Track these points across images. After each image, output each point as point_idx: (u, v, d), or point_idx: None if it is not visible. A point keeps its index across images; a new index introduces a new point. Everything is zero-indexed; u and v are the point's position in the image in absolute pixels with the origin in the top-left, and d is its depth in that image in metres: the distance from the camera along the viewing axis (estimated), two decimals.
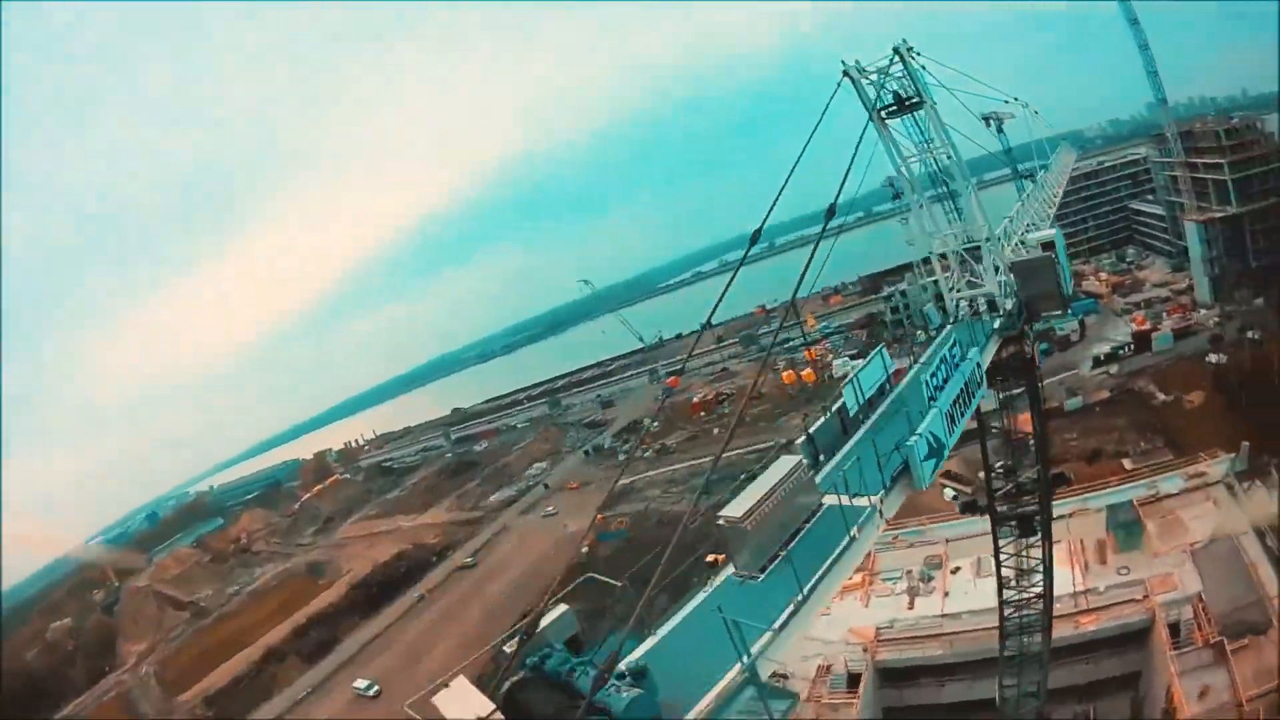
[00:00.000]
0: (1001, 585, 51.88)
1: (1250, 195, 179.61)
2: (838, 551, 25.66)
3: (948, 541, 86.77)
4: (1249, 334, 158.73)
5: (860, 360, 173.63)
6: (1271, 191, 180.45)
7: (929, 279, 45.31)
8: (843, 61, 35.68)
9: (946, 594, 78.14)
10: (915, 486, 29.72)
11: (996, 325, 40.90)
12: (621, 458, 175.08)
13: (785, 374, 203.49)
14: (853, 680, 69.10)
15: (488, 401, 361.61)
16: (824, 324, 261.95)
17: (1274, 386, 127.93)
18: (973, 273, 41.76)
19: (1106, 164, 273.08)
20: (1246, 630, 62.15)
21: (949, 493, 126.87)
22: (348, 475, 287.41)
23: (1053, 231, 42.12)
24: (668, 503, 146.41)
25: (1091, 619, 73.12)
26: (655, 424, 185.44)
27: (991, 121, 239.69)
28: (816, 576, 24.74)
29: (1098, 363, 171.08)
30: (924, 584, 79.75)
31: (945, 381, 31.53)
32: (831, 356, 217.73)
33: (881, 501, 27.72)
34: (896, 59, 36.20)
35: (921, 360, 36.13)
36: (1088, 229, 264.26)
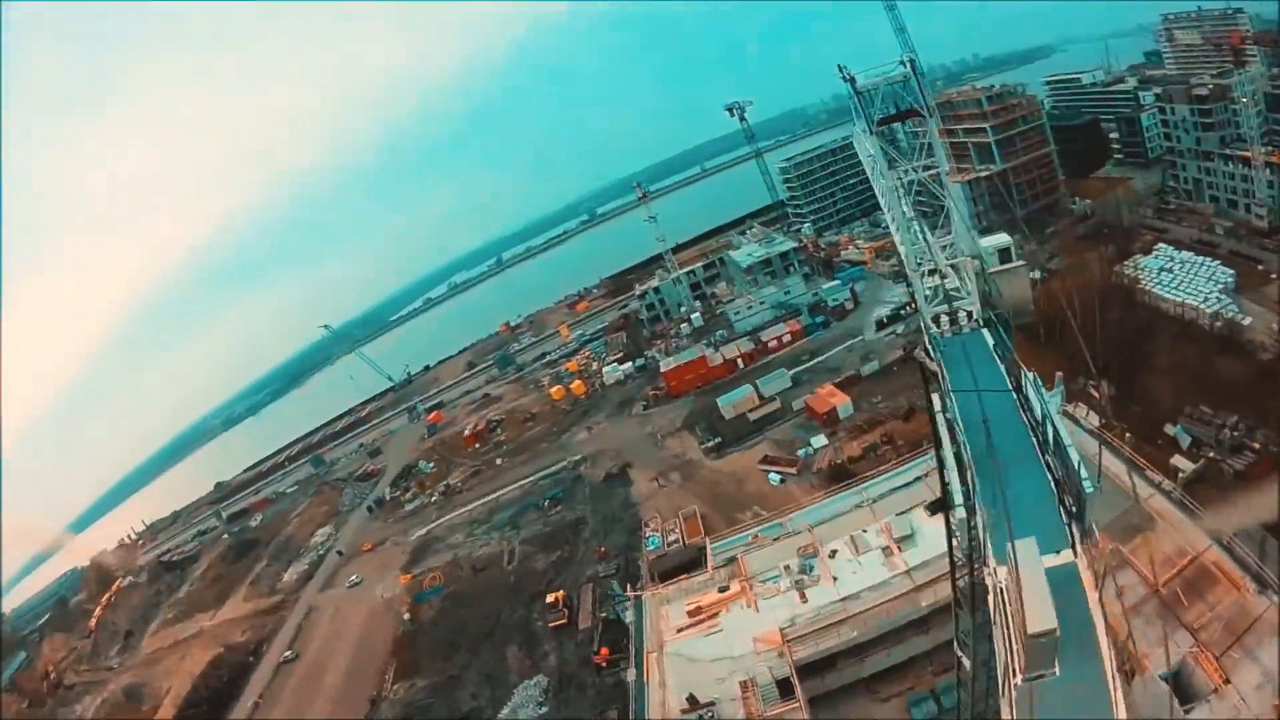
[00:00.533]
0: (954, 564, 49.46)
1: (1012, 153, 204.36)
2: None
3: (812, 529, 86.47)
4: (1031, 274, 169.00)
5: (628, 363, 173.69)
6: (1030, 148, 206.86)
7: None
8: (840, 68, 36.05)
9: (835, 578, 77.15)
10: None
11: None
12: (410, 507, 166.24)
13: (554, 390, 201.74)
14: (783, 686, 67.24)
15: (248, 470, 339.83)
16: (579, 332, 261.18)
17: (1064, 319, 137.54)
18: (953, 285, 40.36)
19: (851, 137, 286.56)
20: (1133, 531, 68.95)
21: (774, 477, 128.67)
22: (131, 578, 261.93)
23: (1008, 238, 40.55)
24: (476, 546, 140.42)
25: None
26: (431, 465, 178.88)
27: (734, 110, 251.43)
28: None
29: (880, 326, 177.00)
30: (808, 576, 78.36)
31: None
32: (597, 364, 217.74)
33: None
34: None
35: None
36: (835, 201, 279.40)
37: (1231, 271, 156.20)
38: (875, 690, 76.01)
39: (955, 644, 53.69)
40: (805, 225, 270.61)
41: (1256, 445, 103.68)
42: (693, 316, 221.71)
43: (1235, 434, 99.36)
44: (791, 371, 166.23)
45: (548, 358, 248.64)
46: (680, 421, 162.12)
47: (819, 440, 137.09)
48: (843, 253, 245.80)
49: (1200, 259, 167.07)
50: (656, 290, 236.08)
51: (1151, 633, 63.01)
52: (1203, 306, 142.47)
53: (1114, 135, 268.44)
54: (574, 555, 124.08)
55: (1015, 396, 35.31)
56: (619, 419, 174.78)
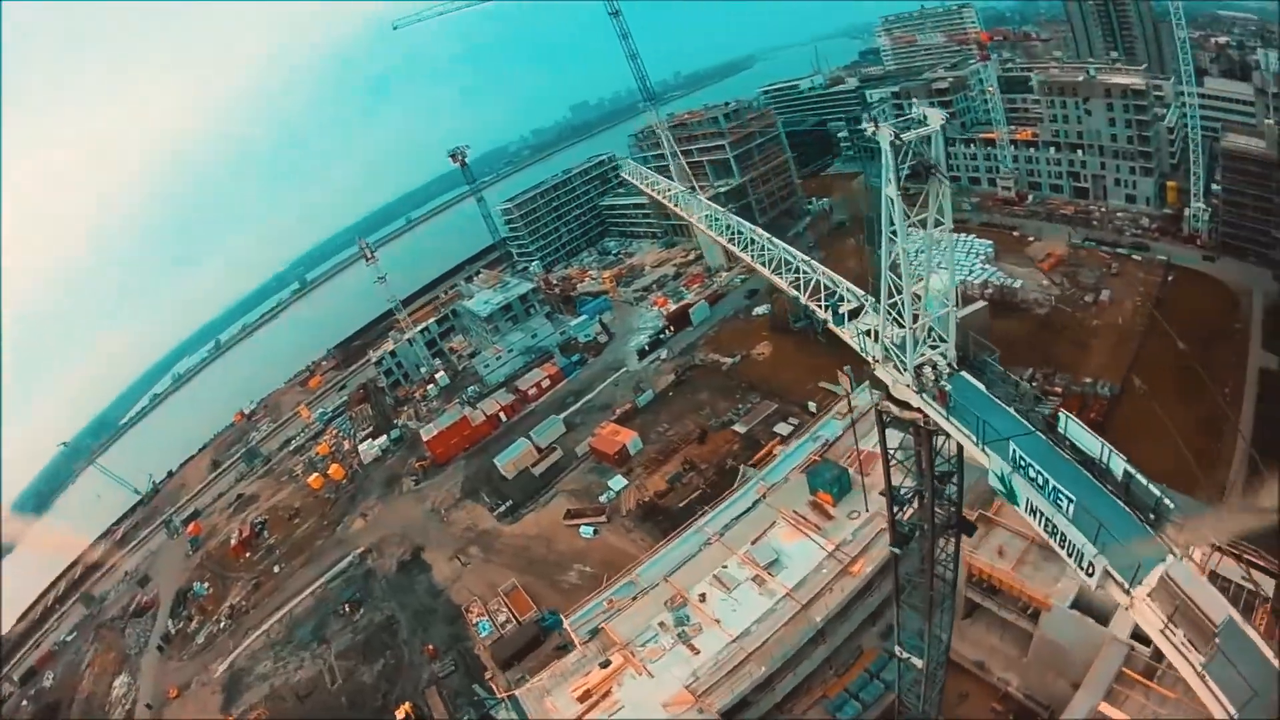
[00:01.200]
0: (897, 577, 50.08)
1: (750, 166, 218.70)
2: None
3: (667, 579, 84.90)
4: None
5: (381, 436, 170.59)
6: (768, 158, 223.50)
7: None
8: (872, 118, 33.62)
9: (719, 620, 75.88)
10: None
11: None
12: (201, 639, 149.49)
13: (312, 479, 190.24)
14: None
15: (19, 620, 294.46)
16: (319, 411, 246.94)
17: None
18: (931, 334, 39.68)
19: (575, 170, 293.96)
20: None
21: (586, 530, 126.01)
22: None
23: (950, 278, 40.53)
24: (291, 671, 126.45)
25: (859, 564, 78.94)
26: (207, 586, 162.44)
27: (456, 156, 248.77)
28: None
29: (643, 354, 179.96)
30: (689, 626, 76.44)
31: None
32: (349, 442, 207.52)
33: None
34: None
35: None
36: (560, 235, 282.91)
37: (988, 242, 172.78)
38: (790, 710, 77.94)
39: (898, 647, 55.73)
40: (533, 263, 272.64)
41: (1059, 389, 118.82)
42: (437, 376, 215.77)
43: (1034, 384, 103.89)
44: (562, 416, 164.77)
45: (294, 444, 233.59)
46: (459, 490, 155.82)
47: (617, 481, 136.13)
48: (579, 286, 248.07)
49: (954, 236, 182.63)
50: (393, 354, 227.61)
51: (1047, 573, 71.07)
52: (969, 279, 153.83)
53: (842, 135, 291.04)
54: (400, 660, 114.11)
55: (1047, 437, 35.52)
56: (392, 498, 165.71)
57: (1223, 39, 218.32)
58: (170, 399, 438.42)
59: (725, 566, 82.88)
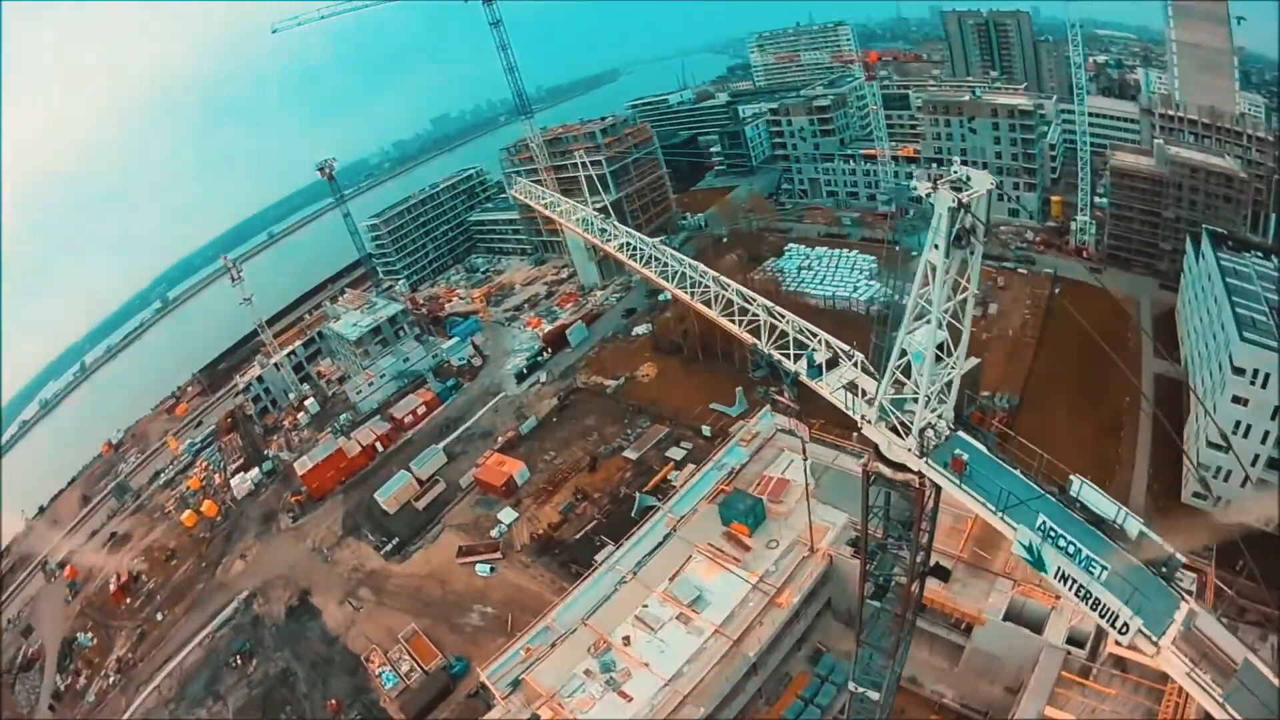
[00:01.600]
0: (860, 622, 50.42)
1: (626, 181, 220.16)
2: None
3: (586, 622, 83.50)
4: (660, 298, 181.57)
5: (253, 469, 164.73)
6: (643, 173, 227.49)
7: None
8: (931, 179, 32.82)
9: (647, 664, 74.96)
10: None
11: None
12: (91, 696, 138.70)
13: (185, 516, 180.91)
14: None
15: None
16: (188, 441, 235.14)
17: (710, 336, 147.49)
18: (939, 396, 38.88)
19: (442, 184, 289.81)
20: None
21: (482, 568, 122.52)
22: None
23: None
24: None
25: (785, 595, 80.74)
26: (91, 637, 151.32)
27: (324, 170, 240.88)
28: None
29: (521, 377, 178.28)
30: (616, 672, 75.19)
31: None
32: (219, 476, 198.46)
33: None
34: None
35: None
36: (428, 252, 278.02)
37: (870, 257, 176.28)
38: None
39: (852, 683, 57.02)
40: (400, 281, 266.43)
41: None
42: (306, 403, 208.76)
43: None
44: (442, 445, 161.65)
45: (163, 476, 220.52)
46: (340, 527, 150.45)
47: (507, 514, 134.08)
48: (448, 305, 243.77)
49: (834, 251, 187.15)
50: (260, 379, 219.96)
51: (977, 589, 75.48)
52: (855, 296, 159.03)
53: (714, 149, 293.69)
54: (302, 716, 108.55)
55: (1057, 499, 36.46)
56: (270, 537, 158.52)
57: (1101, 58, 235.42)
58: (39, 426, 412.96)
59: (646, 606, 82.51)
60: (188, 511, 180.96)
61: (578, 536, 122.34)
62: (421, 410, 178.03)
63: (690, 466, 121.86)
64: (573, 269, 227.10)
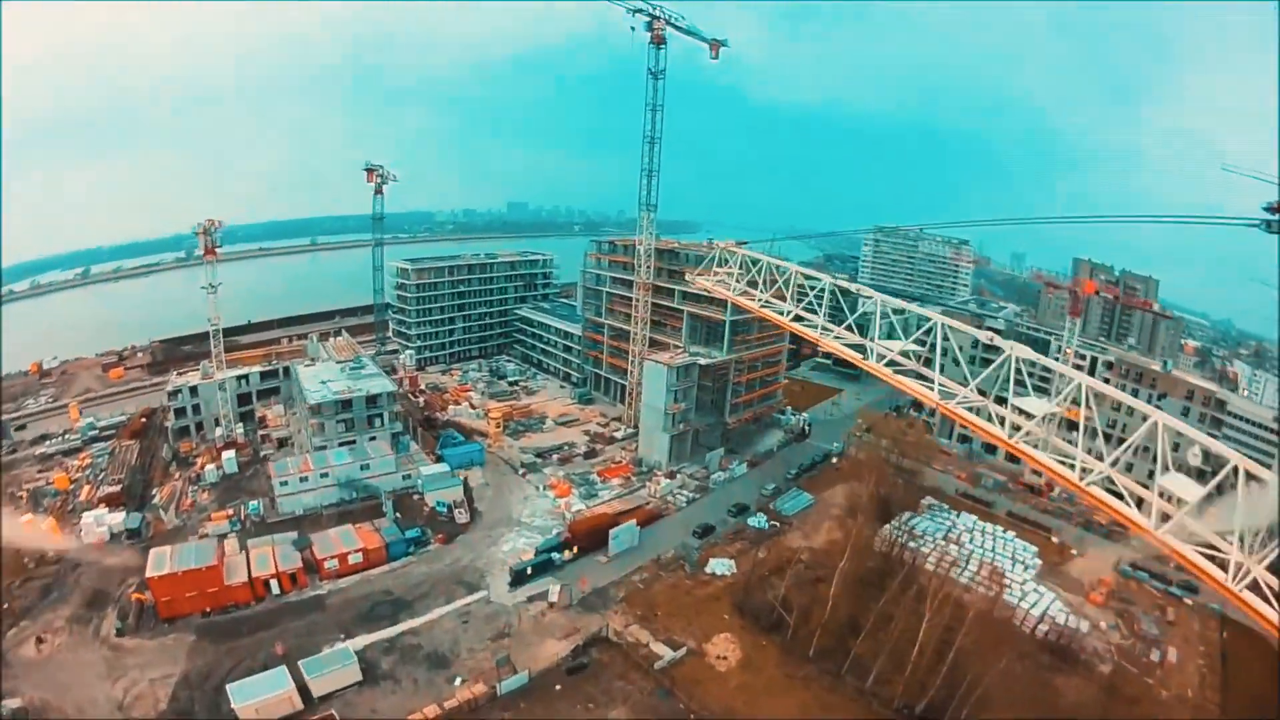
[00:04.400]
0: None
1: (745, 340, 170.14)
2: None
3: None
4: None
5: (121, 510, 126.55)
6: (768, 334, 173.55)
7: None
8: None
9: None
10: None
11: None
12: None
13: (25, 518, 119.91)
14: None
15: None
16: (89, 420, 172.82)
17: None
18: None
19: (501, 257, 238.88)
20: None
21: None
22: None
23: None
24: None
25: None
26: None
27: (375, 173, 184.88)
28: None
29: (519, 579, 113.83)
30: None
31: None
32: (87, 489, 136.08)
33: None
34: None
35: None
36: (454, 329, 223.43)
37: (1032, 547, 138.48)
38: None
39: None
40: (407, 350, 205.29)
41: None
42: (225, 456, 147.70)
43: None
44: (361, 646, 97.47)
45: (49, 444, 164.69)
46: (172, 685, 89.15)
47: None
48: (453, 408, 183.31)
49: (987, 526, 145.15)
50: (193, 391, 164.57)
51: None
52: (1024, 604, 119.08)
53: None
54: None
55: None
56: (83, 639, 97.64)
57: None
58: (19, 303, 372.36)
59: None
60: (29, 517, 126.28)
61: None
62: (357, 558, 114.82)
63: None
64: (630, 428, 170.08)
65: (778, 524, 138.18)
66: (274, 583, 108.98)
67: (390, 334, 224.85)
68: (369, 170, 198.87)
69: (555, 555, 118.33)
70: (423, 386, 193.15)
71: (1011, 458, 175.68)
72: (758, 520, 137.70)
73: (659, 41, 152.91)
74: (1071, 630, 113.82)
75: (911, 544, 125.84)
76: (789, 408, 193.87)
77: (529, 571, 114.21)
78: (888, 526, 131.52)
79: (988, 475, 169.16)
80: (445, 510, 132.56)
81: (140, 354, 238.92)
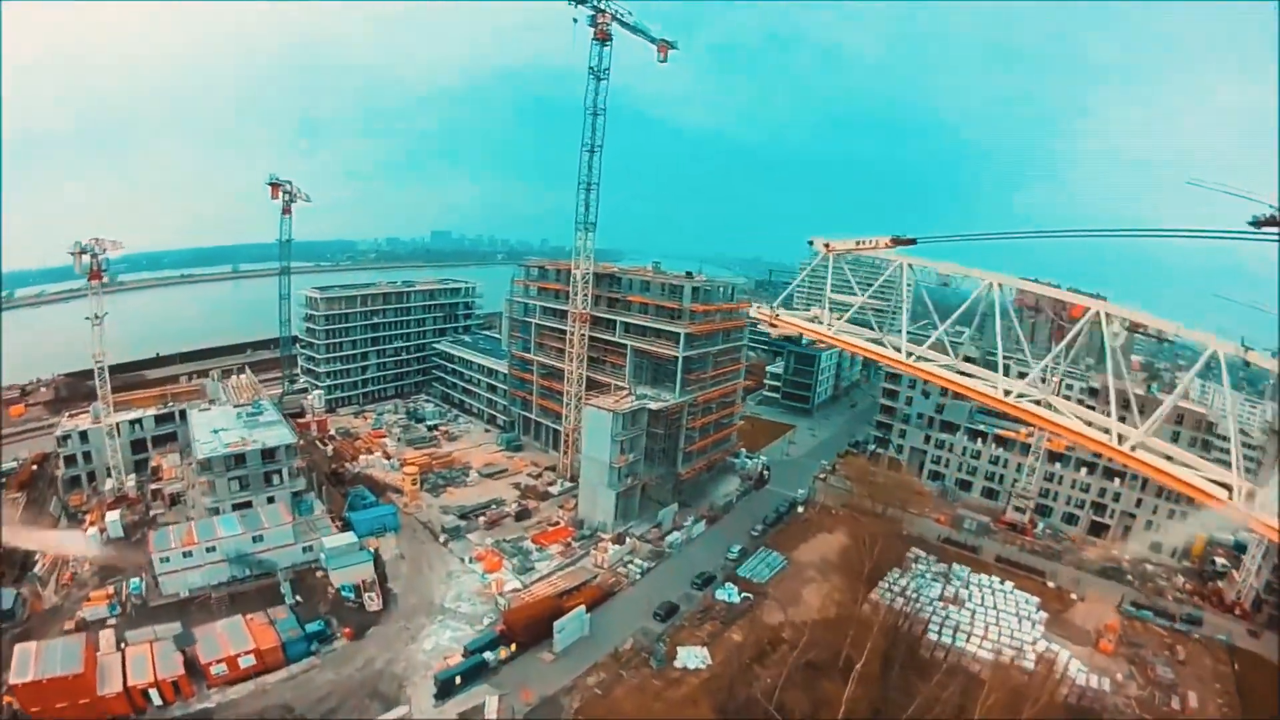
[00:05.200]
0: None
1: (698, 378, 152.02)
2: None
3: None
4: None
5: None
6: (725, 372, 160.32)
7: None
8: None
9: None
10: None
11: None
12: None
13: None
14: None
15: None
16: None
17: None
18: None
19: (419, 285, 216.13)
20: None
21: None
22: None
23: None
24: None
25: None
26: None
27: (279, 188, 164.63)
28: None
29: (448, 690, 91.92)
30: None
31: None
32: None
33: None
34: None
35: None
36: (367, 366, 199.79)
37: (1035, 600, 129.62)
38: None
39: None
40: (316, 391, 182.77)
41: None
42: (110, 519, 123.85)
43: None
44: None
45: None
46: None
47: None
48: (365, 457, 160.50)
49: (982, 579, 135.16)
50: (84, 436, 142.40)
51: None
52: (1025, 660, 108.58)
53: (772, 368, 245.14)
54: None
55: None
56: None
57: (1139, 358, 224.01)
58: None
59: None
60: None
61: None
62: (248, 662, 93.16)
63: None
64: (567, 480, 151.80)
65: (750, 596, 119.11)
66: (157, 691, 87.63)
67: (299, 371, 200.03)
68: (273, 185, 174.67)
69: (489, 655, 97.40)
70: (332, 432, 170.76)
71: (989, 494, 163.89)
72: (727, 592, 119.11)
73: (603, 37, 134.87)
74: (1093, 692, 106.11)
75: (908, 607, 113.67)
76: (742, 450, 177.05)
77: (458, 680, 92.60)
78: (877, 590, 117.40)
79: (968, 516, 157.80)
80: (351, 594, 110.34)
81: (44, 389, 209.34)
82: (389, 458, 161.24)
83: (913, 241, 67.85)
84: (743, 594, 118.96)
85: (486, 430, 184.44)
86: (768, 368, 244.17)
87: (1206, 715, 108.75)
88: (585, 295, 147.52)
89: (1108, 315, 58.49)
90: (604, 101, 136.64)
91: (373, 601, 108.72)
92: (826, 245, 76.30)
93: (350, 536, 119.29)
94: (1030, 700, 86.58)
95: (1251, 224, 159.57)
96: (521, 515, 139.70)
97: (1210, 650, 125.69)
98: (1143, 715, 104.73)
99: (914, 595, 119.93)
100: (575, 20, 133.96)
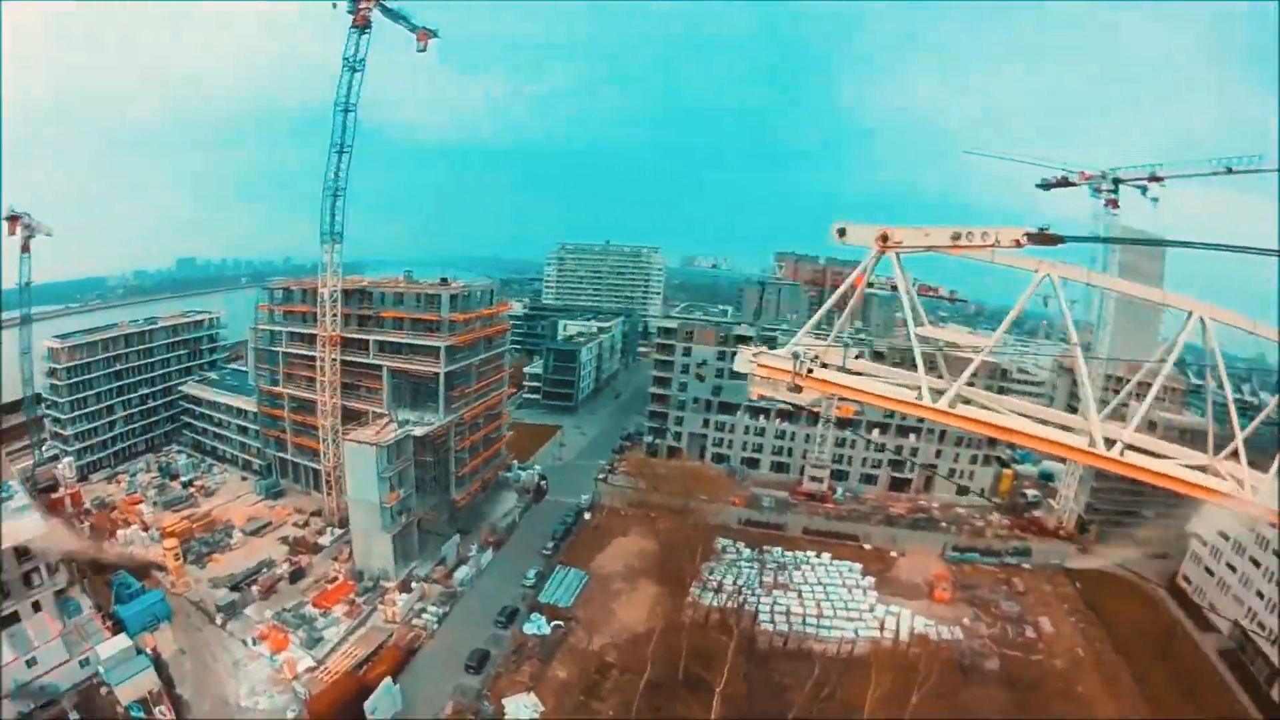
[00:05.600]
0: None
1: (463, 393, 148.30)
2: None
3: None
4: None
5: None
6: (490, 383, 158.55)
7: None
8: None
9: None
10: None
11: None
12: None
13: None
14: None
15: None
16: None
17: None
18: None
19: (163, 322, 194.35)
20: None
21: None
22: None
23: None
24: None
25: None
26: None
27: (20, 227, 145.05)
28: None
29: None
30: None
31: None
32: None
33: None
34: None
35: None
36: (116, 420, 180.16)
37: (858, 566, 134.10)
38: None
39: None
40: (67, 458, 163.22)
41: None
42: None
43: None
44: None
45: None
46: None
47: None
48: (120, 534, 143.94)
49: (797, 555, 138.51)
50: None
51: None
52: (882, 634, 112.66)
53: (532, 369, 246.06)
54: None
55: None
56: None
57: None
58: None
59: None
60: None
61: None
62: None
63: None
64: (336, 525, 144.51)
65: (561, 623, 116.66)
66: None
67: (45, 435, 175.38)
68: (11, 219, 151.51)
69: None
70: (87, 504, 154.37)
71: (779, 467, 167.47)
72: (535, 624, 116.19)
73: (362, 23, 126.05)
74: (948, 641, 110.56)
75: (730, 602, 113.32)
76: (514, 461, 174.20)
77: None
78: (694, 588, 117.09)
79: (763, 494, 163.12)
80: (143, 712, 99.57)
81: None
82: (146, 528, 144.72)
83: (1060, 240, 45.21)
84: (553, 622, 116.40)
85: (244, 478, 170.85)
86: (525, 369, 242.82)
87: (1065, 636, 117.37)
88: (335, 315, 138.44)
89: None
90: (357, 96, 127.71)
91: (164, 716, 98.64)
92: (883, 237, 38.63)
93: (124, 640, 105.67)
94: (921, 677, 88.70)
95: (1040, 186, 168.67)
96: (296, 575, 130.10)
97: (1046, 576, 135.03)
98: (1002, 651, 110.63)
99: (735, 588, 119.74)
100: (335, 5, 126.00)
